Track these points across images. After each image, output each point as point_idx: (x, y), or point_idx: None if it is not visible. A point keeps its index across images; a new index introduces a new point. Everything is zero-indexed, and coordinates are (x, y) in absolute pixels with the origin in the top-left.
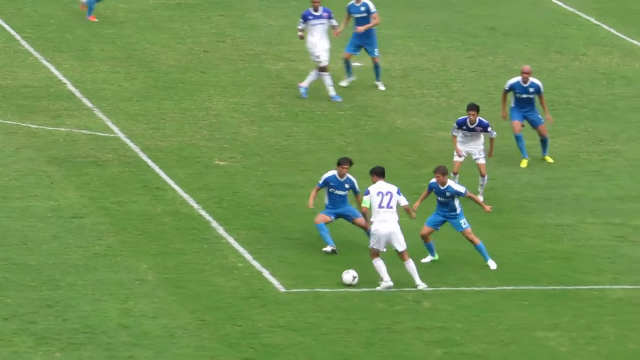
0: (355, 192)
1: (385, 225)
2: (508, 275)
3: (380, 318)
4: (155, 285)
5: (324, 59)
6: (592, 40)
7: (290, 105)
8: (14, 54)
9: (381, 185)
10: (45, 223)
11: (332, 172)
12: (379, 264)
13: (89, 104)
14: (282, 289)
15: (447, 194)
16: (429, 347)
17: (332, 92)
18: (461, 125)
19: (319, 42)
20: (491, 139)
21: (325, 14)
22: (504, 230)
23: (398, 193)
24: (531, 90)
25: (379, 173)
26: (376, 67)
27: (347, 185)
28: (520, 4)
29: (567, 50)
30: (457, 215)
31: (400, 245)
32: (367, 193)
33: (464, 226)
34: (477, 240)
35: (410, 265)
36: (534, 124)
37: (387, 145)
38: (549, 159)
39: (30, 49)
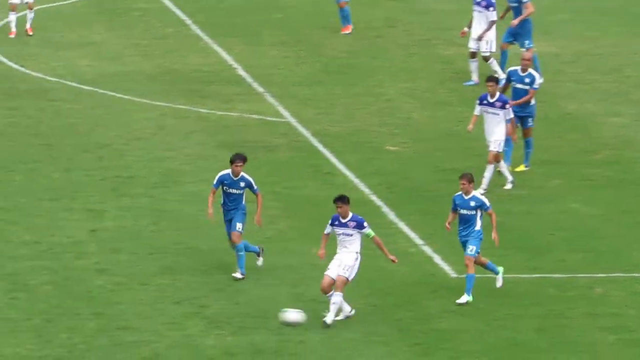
0: (253, 191)
1: None
2: None
3: (551, 304)
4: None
5: (471, 45)
6: None
7: (461, 91)
8: (184, 38)
9: None
10: (217, 208)
11: (227, 171)
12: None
13: (260, 89)
14: (453, 274)
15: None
16: (602, 333)
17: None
18: (482, 100)
19: (473, 29)
20: (510, 119)
21: (483, 2)
22: None
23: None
24: (527, 80)
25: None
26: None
27: (242, 184)
28: None
29: None
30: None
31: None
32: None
33: None
34: None
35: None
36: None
37: (558, 131)
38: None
39: (201, 34)
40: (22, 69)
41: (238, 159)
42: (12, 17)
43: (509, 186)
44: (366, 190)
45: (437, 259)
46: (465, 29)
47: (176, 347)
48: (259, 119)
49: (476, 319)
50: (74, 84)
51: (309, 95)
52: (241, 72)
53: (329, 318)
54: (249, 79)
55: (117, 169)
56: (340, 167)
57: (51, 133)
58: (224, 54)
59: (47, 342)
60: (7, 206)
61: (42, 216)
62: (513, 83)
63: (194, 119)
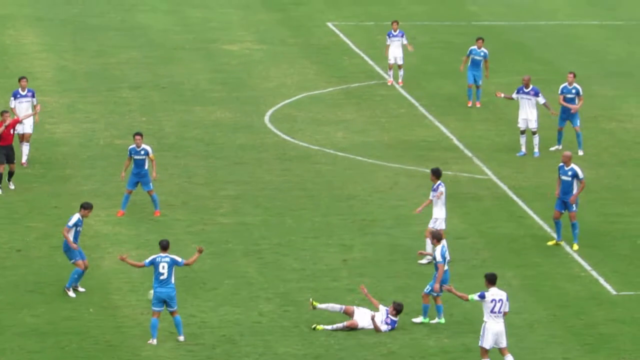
0: None
1: (496, 325)
2: None
3: None
4: (518, 288)
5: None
6: None
7: None
8: (414, 117)
9: (494, 292)
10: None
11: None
12: None
13: (469, 154)
14: (613, 292)
15: None
16: None
17: None
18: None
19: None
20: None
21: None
22: None
23: (507, 299)
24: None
25: (491, 280)
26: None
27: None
28: None
29: None
30: None
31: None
32: (482, 297)
33: None
34: None
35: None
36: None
37: None
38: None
39: (426, 113)
40: (293, 140)
41: (87, 206)
42: None
43: None
44: (549, 230)
45: (602, 280)
46: None
47: (406, 347)
48: (468, 177)
49: (632, 325)
50: (331, 151)
51: (507, 159)
52: (456, 142)
53: None
54: (461, 147)
55: (363, 214)
56: (530, 212)
57: (314, 188)
58: (443, 128)
59: (310, 343)
60: (282, 242)
61: (306, 250)
62: None
63: (421, 176)
